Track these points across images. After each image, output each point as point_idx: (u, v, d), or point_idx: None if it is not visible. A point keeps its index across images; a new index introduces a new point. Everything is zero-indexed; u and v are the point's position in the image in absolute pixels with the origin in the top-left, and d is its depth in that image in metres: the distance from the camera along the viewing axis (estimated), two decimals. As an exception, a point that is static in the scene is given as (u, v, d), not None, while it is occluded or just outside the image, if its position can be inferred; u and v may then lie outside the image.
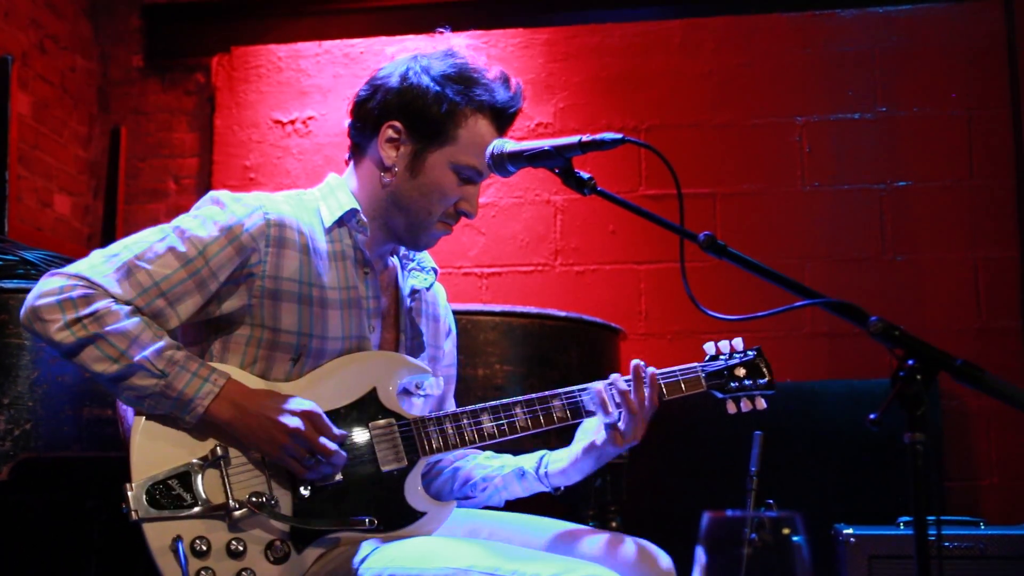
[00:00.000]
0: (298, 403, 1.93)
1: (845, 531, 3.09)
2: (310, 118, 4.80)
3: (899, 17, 4.51)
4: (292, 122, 4.81)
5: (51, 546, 3.36)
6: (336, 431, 1.95)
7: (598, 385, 2.10)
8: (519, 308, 3.24)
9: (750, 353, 2.21)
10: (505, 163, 1.96)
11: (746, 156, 4.50)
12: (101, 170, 4.88)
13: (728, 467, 2.40)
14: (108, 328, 1.86)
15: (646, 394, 2.08)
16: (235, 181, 4.74)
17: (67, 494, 3.26)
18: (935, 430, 4.03)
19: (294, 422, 1.89)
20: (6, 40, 4.33)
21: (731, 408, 2.18)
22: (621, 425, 2.08)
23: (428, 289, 2.27)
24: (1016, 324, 4.25)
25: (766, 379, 2.19)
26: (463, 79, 2.08)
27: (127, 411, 2.03)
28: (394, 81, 2.09)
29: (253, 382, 1.99)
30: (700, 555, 1.16)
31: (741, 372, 2.18)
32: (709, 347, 2.23)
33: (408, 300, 2.21)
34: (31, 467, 2.44)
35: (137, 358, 1.86)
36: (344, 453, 1.95)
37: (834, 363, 4.30)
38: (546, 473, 2.16)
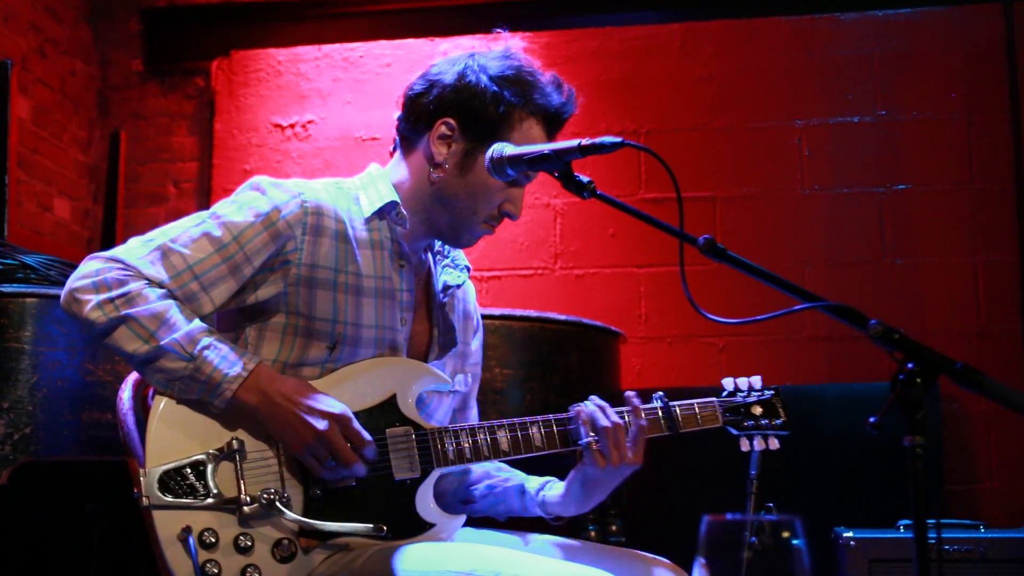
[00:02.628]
0: (331, 404, 1.93)
1: (845, 534, 3.09)
2: (310, 122, 4.80)
3: (898, 21, 4.51)
4: (292, 126, 4.81)
5: (51, 550, 3.36)
6: (366, 437, 1.93)
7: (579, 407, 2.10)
8: (519, 312, 3.24)
9: (767, 392, 2.23)
10: (505, 166, 1.96)
11: (746, 160, 4.51)
12: (101, 174, 4.88)
13: (728, 471, 2.40)
14: (138, 309, 1.87)
15: (613, 420, 2.06)
16: (234, 185, 4.70)
17: (66, 498, 3.26)
18: (935, 433, 4.03)
19: (323, 424, 1.89)
20: (6, 44, 4.33)
21: (744, 445, 2.20)
22: (596, 445, 2.06)
23: (460, 287, 2.27)
24: (1016, 327, 4.25)
25: (782, 419, 2.21)
26: (520, 82, 2.07)
27: (127, 414, 2.02)
28: (451, 78, 2.08)
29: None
30: (700, 559, 1.16)
31: (758, 410, 2.21)
32: (727, 382, 2.24)
33: (441, 295, 2.21)
34: (31, 471, 2.44)
35: (167, 340, 1.87)
36: (364, 468, 1.94)
37: (834, 367, 4.30)
38: (543, 499, 2.16)
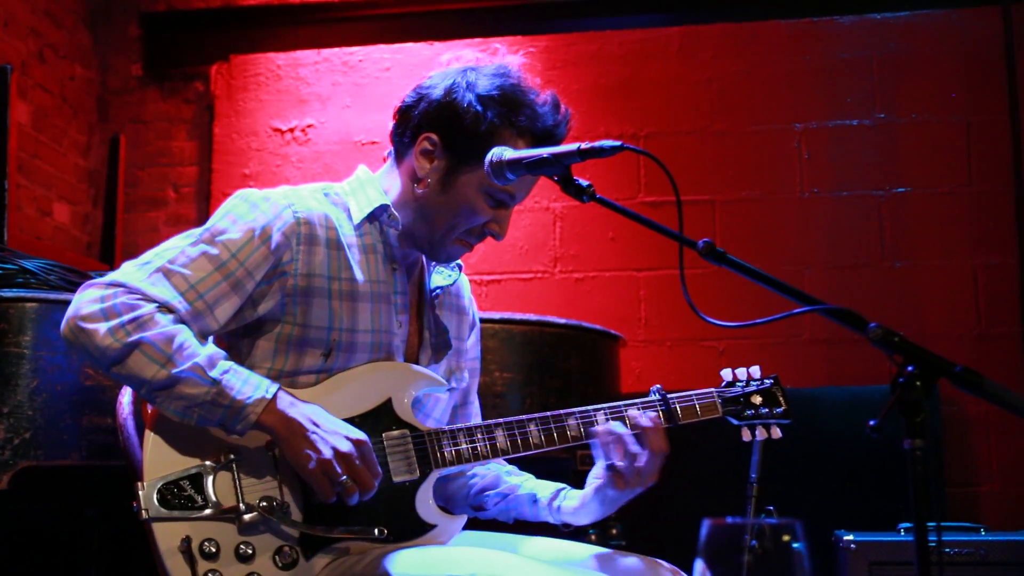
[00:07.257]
0: (351, 429, 1.91)
1: (846, 537, 3.09)
2: (309, 126, 4.80)
3: (897, 24, 4.52)
4: (291, 130, 4.81)
5: (51, 555, 3.36)
6: (379, 469, 1.92)
7: (600, 428, 2.04)
8: (519, 315, 3.24)
9: (767, 381, 2.21)
10: (504, 171, 1.96)
11: (745, 163, 4.51)
12: (100, 179, 4.88)
13: (728, 474, 2.40)
14: (152, 332, 1.83)
15: (650, 447, 2.02)
16: (234, 189, 4.70)
17: (66, 503, 3.26)
18: (935, 436, 4.03)
19: (346, 446, 1.87)
20: (6, 49, 4.33)
21: (746, 436, 2.18)
22: (623, 469, 2.02)
23: (452, 285, 2.25)
24: (1015, 330, 4.25)
25: (783, 408, 2.19)
26: (508, 101, 2.02)
27: (127, 419, 2.02)
28: (438, 93, 2.05)
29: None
30: (700, 562, 1.16)
31: (757, 400, 2.18)
32: (726, 373, 2.22)
33: (431, 295, 2.19)
34: (31, 476, 2.44)
35: (186, 365, 1.82)
36: (370, 496, 1.91)
37: (834, 370, 4.30)
38: (559, 508, 2.14)
